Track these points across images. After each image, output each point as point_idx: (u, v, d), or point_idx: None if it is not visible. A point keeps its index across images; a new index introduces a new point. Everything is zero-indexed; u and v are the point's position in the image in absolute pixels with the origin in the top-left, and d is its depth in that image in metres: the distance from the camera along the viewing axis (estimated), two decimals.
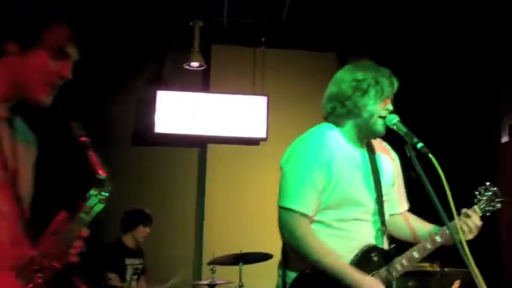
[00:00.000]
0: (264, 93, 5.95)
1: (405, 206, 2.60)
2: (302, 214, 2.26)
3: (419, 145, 2.19)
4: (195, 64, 5.69)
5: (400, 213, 2.58)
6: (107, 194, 1.64)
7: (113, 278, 4.58)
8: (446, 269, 4.06)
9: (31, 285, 1.55)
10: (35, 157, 1.74)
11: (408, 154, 2.24)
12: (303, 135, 2.39)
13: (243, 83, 6.03)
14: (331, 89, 2.40)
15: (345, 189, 2.29)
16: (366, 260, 2.31)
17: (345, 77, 2.39)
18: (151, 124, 5.73)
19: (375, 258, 2.31)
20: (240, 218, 5.66)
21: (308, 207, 2.28)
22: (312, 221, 2.31)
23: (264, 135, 5.84)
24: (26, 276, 1.55)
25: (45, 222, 1.63)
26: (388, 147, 2.55)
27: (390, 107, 2.38)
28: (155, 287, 4.71)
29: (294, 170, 2.31)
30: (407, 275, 2.50)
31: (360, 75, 2.36)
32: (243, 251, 4.36)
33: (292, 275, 2.30)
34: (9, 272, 1.52)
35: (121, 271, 4.66)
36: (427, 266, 4.10)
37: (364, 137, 2.41)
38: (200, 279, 5.07)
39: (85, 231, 1.60)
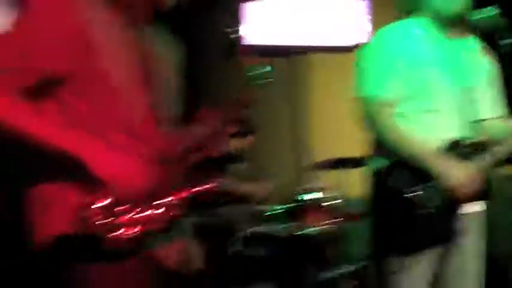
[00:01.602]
0: None
1: (501, 108, 2.51)
2: (383, 102, 2.22)
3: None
4: None
5: (496, 117, 2.49)
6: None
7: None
8: None
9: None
10: (179, 61, 1.78)
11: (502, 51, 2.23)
12: (383, 27, 2.35)
13: None
14: None
15: (427, 79, 2.24)
16: (454, 151, 2.26)
17: None
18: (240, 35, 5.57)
19: (464, 150, 2.26)
20: (340, 125, 5.54)
21: (390, 94, 2.25)
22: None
23: (364, 41, 5.42)
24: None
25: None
26: (480, 43, 2.47)
27: None
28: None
29: (373, 58, 2.28)
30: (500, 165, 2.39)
31: None
32: (342, 157, 4.48)
33: (380, 163, 2.30)
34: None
35: None
36: None
37: (449, 24, 2.32)
38: (301, 185, 5.17)
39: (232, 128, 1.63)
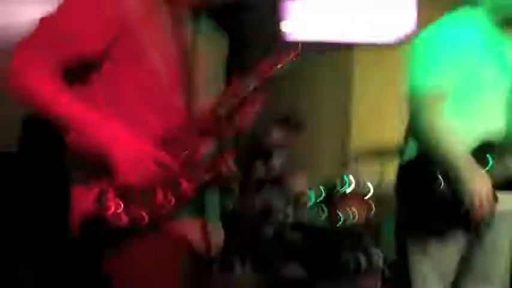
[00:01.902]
0: None
1: None
2: (434, 95, 2.16)
3: None
4: None
5: None
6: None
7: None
8: None
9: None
10: (223, 55, 1.77)
11: None
12: (438, 20, 2.27)
13: None
14: None
15: (480, 76, 2.18)
16: (487, 153, 2.19)
17: None
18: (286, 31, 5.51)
19: (498, 151, 2.18)
20: (388, 118, 5.46)
21: (443, 87, 2.18)
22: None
23: (410, 35, 5.36)
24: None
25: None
26: None
27: None
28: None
29: (426, 50, 2.21)
30: None
31: None
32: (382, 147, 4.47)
33: (411, 154, 2.25)
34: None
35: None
36: None
37: (507, 22, 2.24)
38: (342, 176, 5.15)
39: (262, 96, 1.59)
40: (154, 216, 1.47)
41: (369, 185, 4.67)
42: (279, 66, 1.55)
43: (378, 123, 5.75)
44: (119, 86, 1.53)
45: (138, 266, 1.50)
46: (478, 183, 2.10)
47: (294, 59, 1.57)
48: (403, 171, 2.27)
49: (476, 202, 2.10)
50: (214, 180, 1.57)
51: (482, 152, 2.17)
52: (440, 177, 2.13)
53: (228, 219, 1.80)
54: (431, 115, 2.17)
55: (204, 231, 1.58)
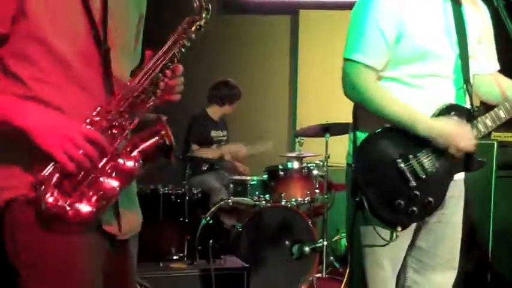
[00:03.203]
0: None
1: (494, 65, 2.40)
2: (367, 66, 2.14)
3: None
4: None
5: (489, 74, 2.38)
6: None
7: (197, 148, 4.65)
8: None
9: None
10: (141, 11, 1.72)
11: (495, 3, 2.11)
12: None
13: None
14: None
15: (421, 42, 2.14)
16: (447, 117, 2.18)
17: None
18: None
19: (455, 118, 2.16)
20: (333, 88, 5.51)
21: (374, 58, 2.15)
22: (381, 77, 2.19)
23: None
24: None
25: None
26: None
27: None
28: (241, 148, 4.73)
29: (361, 18, 2.17)
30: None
31: None
32: (329, 122, 4.28)
33: (362, 137, 2.20)
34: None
35: (206, 143, 4.73)
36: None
37: None
38: (294, 150, 5.05)
39: (179, 67, 1.57)
40: (101, 205, 1.44)
41: (315, 163, 4.48)
42: (192, 34, 1.57)
43: (324, 93, 5.60)
44: (37, 61, 1.48)
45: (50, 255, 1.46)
46: (458, 134, 2.14)
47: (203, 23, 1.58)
48: (362, 148, 2.19)
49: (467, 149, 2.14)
50: (151, 153, 1.53)
51: (445, 116, 2.17)
52: (399, 161, 2.11)
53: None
54: (370, 85, 2.16)
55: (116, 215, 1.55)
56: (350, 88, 2.17)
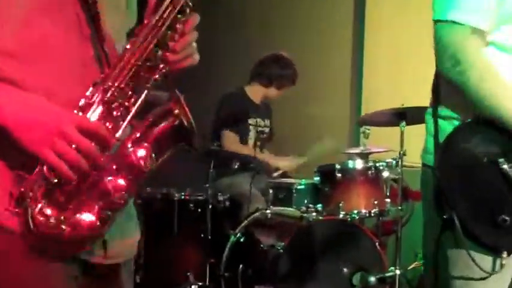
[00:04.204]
0: None
1: None
2: (474, 29, 1.96)
3: None
4: None
5: None
6: None
7: (229, 137, 4.26)
8: None
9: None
10: None
11: None
12: None
13: None
14: None
15: None
16: None
17: None
18: None
19: None
20: (409, 59, 5.17)
21: (483, 17, 1.98)
22: (486, 43, 2.03)
23: None
24: None
25: None
26: None
27: None
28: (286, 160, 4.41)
29: None
30: None
31: None
32: (405, 105, 3.84)
33: (447, 128, 2.04)
34: None
35: (241, 131, 4.35)
36: None
37: None
38: (358, 144, 4.72)
39: (194, 17, 1.45)
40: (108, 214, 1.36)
41: (386, 162, 4.00)
42: None
43: (394, 73, 5.28)
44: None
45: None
46: None
47: None
48: (444, 144, 2.04)
49: None
50: (165, 141, 1.42)
51: None
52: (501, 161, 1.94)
53: None
54: (472, 57, 1.94)
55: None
56: (450, 63, 1.98)
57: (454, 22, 1.96)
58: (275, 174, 4.32)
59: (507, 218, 1.94)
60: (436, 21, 2.02)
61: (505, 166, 1.95)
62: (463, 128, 2.01)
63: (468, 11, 1.96)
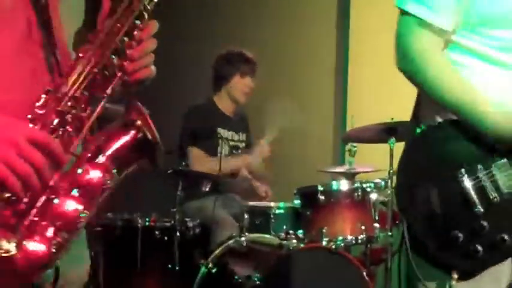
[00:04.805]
0: None
1: None
2: (431, 26, 1.99)
3: None
4: None
5: None
6: None
7: (196, 155, 4.07)
8: None
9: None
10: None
11: None
12: None
13: None
14: None
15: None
16: None
17: None
18: None
19: None
20: (394, 79, 5.09)
21: (441, 13, 1.99)
22: (451, 45, 2.03)
23: None
24: None
25: None
26: None
27: None
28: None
29: None
30: None
31: None
32: (395, 120, 3.76)
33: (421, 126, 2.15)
34: None
35: (210, 147, 4.17)
36: None
37: None
38: (343, 163, 4.68)
39: (152, 23, 1.43)
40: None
41: (374, 182, 3.83)
42: None
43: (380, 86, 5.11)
44: None
45: None
46: None
47: None
48: (404, 151, 2.04)
49: None
50: (126, 156, 1.38)
51: None
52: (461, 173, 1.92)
53: None
54: (427, 54, 1.95)
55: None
56: (401, 56, 2.06)
57: (410, 15, 1.98)
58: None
59: (460, 234, 1.92)
60: (400, 11, 2.02)
61: (465, 179, 1.92)
62: (426, 134, 2.00)
63: (428, 4, 1.95)
